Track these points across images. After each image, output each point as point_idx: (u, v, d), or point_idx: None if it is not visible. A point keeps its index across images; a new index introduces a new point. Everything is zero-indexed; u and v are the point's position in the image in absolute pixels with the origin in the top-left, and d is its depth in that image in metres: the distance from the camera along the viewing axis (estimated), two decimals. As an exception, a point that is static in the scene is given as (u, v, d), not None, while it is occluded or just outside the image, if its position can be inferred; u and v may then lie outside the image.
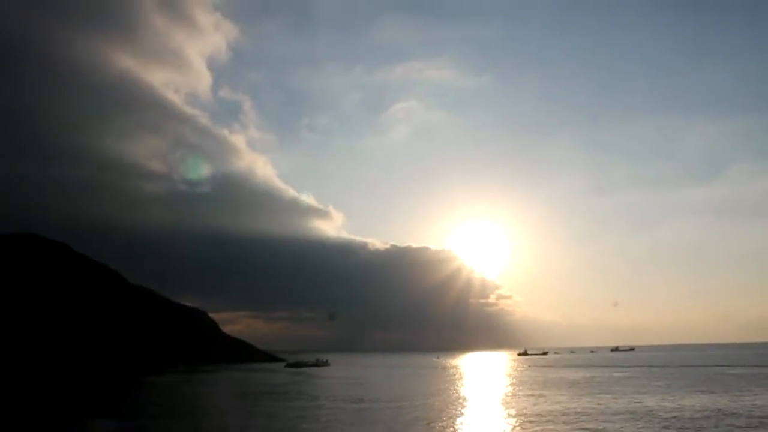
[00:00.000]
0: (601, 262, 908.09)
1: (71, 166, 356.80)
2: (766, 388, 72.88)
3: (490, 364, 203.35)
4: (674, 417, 48.42)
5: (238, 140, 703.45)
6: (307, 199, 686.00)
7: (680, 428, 43.08)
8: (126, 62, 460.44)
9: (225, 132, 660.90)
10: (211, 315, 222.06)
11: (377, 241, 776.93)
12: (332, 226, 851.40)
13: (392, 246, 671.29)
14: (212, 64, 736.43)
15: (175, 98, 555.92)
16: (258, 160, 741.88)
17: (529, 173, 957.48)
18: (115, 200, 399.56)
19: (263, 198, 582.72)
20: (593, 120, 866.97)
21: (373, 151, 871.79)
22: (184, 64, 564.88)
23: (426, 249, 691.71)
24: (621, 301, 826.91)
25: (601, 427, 43.61)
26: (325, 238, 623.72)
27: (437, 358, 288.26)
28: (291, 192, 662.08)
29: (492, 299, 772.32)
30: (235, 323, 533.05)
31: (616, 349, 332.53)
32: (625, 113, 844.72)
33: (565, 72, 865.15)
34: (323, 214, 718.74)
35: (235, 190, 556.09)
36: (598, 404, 59.13)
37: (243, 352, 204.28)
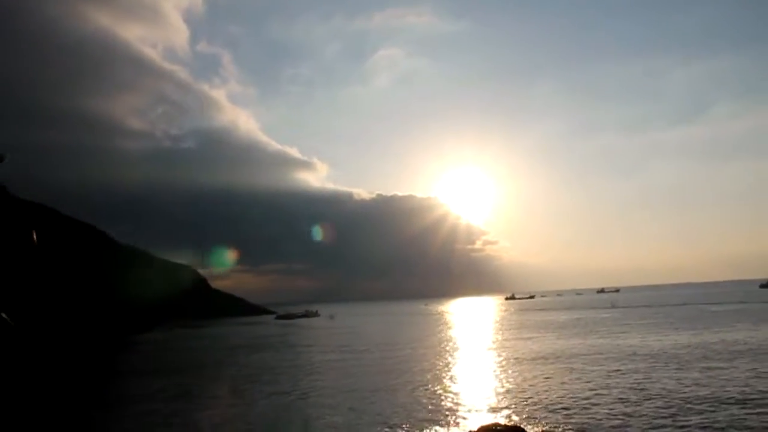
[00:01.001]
0: (587, 205, 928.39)
1: (50, 128, 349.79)
2: (747, 323, 74.15)
3: (478, 308, 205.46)
4: (658, 354, 49.75)
5: (219, 95, 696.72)
6: (291, 151, 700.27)
7: (664, 364, 43.65)
8: (100, 19, 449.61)
9: (205, 87, 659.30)
10: (200, 271, 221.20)
11: (363, 191, 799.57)
12: (317, 178, 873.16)
13: (378, 195, 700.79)
14: (189, 18, 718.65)
15: (153, 54, 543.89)
16: (240, 115, 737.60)
17: (512, 118, 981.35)
18: (96, 160, 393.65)
19: (247, 152, 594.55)
20: (575, 62, 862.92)
21: (357, 100, 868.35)
22: (159, 18, 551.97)
23: (412, 197, 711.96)
24: (607, 243, 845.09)
25: (587, 366, 43.97)
26: (310, 189, 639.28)
27: (425, 304, 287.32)
28: (275, 145, 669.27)
29: (478, 245, 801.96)
30: (225, 278, 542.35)
31: (601, 291, 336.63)
32: (606, 55, 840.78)
33: (545, 13, 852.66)
34: (308, 165, 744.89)
35: (218, 146, 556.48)
36: (585, 344, 60.15)
37: (233, 307, 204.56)
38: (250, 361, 60.26)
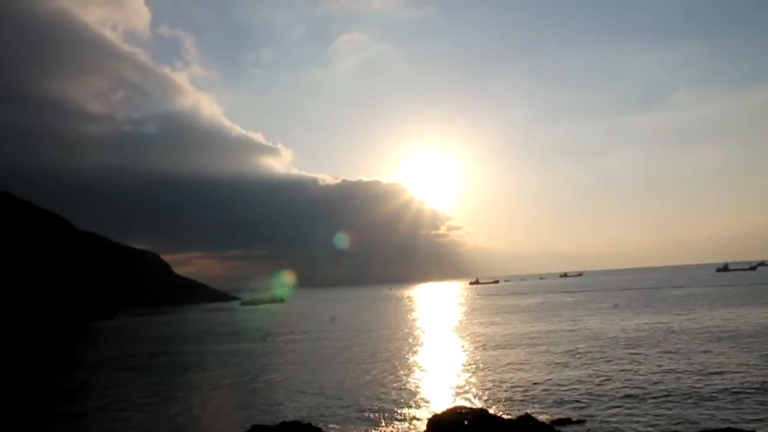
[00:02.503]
0: (551, 190, 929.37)
1: (7, 110, 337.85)
2: (706, 306, 76.31)
3: (442, 293, 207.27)
4: (619, 336, 50.94)
5: (181, 78, 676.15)
6: (255, 136, 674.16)
7: (625, 345, 44.73)
8: (59, 1, 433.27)
9: (167, 70, 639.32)
10: (163, 257, 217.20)
11: (328, 176, 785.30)
12: (282, 163, 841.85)
13: (343, 180, 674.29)
14: (150, 0, 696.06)
15: (113, 36, 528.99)
16: (203, 99, 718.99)
17: (476, 103, 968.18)
18: (56, 144, 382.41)
19: (210, 137, 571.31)
20: (540, 49, 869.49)
21: (321, 84, 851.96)
22: (119, 1, 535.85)
23: (377, 183, 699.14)
24: (571, 228, 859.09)
25: (552, 349, 44.83)
26: (275, 175, 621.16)
27: (390, 289, 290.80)
28: (238, 130, 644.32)
29: (443, 230, 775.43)
30: (188, 264, 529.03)
31: (564, 275, 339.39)
32: (568, 42, 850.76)
33: (510, 1, 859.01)
34: (272, 151, 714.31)
35: (180, 130, 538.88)
36: (548, 327, 61.30)
37: (197, 293, 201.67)
38: (211, 349, 59.29)
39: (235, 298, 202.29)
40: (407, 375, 36.92)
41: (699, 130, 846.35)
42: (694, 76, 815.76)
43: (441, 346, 52.20)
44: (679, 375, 31.98)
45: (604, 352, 41.93)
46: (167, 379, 40.57)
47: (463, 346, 50.43)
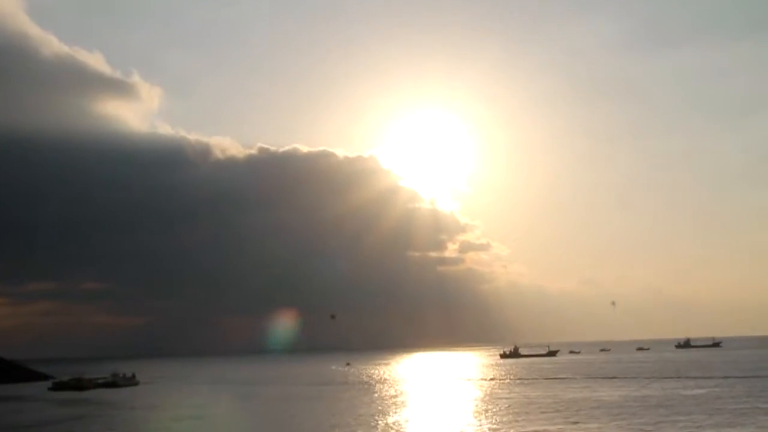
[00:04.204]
0: (660, 178, 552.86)
1: None
2: None
3: (448, 376, 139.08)
4: None
5: None
6: (90, 58, 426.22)
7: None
8: None
9: None
10: None
11: (231, 141, 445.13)
12: (140, 111, 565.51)
13: (261, 150, 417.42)
14: None
15: None
16: None
17: (521, 13, 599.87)
18: None
19: (4, 56, 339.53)
20: None
21: None
22: None
23: (327, 156, 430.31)
24: (698, 258, 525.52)
25: None
26: (127, 135, 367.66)
27: (347, 364, 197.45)
28: (56, 45, 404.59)
29: (452, 250, 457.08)
30: None
31: (686, 345, 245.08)
32: None
33: None
34: (122, 87, 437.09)
35: None
36: None
37: None
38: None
39: (42, 376, 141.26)
40: None
41: None
42: None
43: None
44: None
45: None
46: None
47: None
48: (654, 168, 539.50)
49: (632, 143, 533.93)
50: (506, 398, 76.28)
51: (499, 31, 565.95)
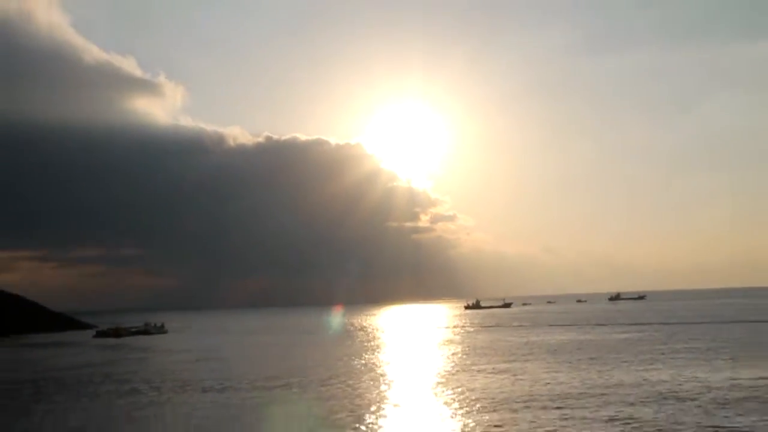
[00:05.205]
0: (603, 163, 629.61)
1: None
2: None
3: (420, 323, 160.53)
4: (715, 400, 36.41)
5: None
6: (124, 62, 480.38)
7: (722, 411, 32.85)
8: None
9: None
10: None
11: (242, 131, 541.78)
12: (167, 107, 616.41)
13: (267, 139, 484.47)
14: None
15: None
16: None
17: (487, 20, 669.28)
18: None
19: (46, 60, 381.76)
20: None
21: None
22: None
23: (321, 143, 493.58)
24: (628, 225, 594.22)
25: (602, 415, 32.91)
26: (155, 126, 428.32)
27: (341, 315, 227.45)
28: (95, 52, 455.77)
29: (425, 221, 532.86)
30: (7, 269, 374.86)
31: (616, 298, 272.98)
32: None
33: None
34: (151, 87, 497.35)
35: None
36: (592, 383, 45.10)
37: (21, 317, 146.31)
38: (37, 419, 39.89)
39: (87, 326, 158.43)
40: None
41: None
42: None
43: (410, 409, 37.93)
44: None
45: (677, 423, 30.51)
46: None
47: (446, 410, 36.99)
48: (598, 154, 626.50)
49: (580, 133, 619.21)
50: (469, 342, 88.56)
51: (469, 36, 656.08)
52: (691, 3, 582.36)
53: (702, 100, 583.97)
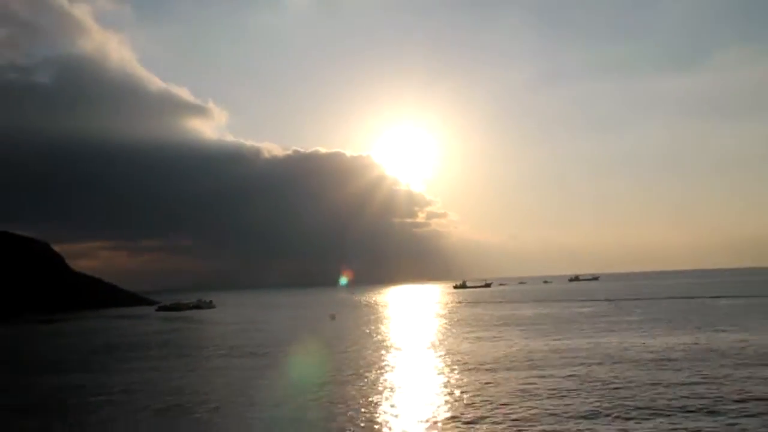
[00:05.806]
0: (556, 171, 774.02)
1: None
2: (756, 321, 66.57)
3: (419, 299, 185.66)
4: (654, 360, 42.11)
5: (82, 13, 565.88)
6: (179, 91, 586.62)
7: (660, 370, 37.43)
8: None
9: (64, 2, 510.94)
10: (55, 247, 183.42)
11: (275, 145, 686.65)
12: (214, 127, 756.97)
13: (294, 152, 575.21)
14: None
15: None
16: (111, 40, 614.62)
17: (464, 60, 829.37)
18: None
19: (120, 91, 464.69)
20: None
21: (268, 29, 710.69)
22: None
23: (339, 155, 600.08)
24: (583, 219, 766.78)
25: (565, 372, 37.46)
26: (205, 142, 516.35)
27: (351, 294, 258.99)
28: (157, 83, 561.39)
29: (421, 218, 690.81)
30: (90, 257, 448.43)
31: (575, 279, 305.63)
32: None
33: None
34: (202, 111, 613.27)
35: (81, 81, 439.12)
36: (553, 347, 51.35)
37: (101, 295, 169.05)
38: (118, 373, 46.39)
39: (151, 302, 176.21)
40: (364, 414, 28.94)
41: (745, 98, 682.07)
42: (742, 31, 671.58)
43: (406, 373, 42.36)
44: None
45: (625, 379, 34.74)
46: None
47: (437, 371, 41.75)
48: (551, 161, 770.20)
49: (537, 145, 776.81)
50: (457, 314, 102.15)
51: (453, 71, 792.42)
52: (615, 44, 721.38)
53: (622, 122, 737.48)
